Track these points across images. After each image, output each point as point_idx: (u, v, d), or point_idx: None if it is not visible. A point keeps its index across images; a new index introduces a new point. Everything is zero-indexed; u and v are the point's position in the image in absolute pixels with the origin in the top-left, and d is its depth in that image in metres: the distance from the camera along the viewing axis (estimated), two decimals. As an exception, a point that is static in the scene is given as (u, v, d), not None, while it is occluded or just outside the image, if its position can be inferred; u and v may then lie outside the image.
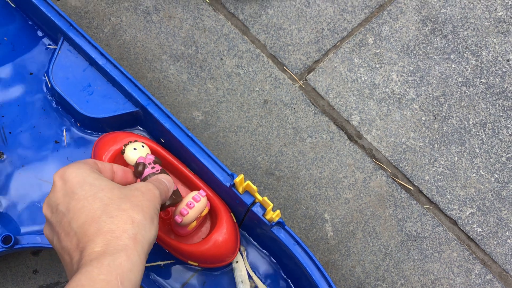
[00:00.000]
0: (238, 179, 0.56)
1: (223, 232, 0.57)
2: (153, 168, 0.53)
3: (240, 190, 0.57)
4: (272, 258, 0.62)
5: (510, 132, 0.71)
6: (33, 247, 0.56)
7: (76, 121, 0.63)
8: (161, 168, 0.54)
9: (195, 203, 0.55)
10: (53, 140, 0.63)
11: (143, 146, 0.56)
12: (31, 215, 0.59)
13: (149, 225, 0.41)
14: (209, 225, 0.61)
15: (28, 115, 0.63)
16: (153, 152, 0.59)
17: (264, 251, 0.62)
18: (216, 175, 0.58)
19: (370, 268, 0.65)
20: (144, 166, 0.53)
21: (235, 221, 0.61)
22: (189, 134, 0.59)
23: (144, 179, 0.52)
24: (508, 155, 0.70)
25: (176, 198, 0.53)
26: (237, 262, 0.60)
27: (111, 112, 0.61)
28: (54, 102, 0.64)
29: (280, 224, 0.57)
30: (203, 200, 0.56)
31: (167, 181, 0.50)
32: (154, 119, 0.60)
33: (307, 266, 0.56)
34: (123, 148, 0.56)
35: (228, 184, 0.57)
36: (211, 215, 0.61)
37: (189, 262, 0.58)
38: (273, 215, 0.56)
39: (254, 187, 0.56)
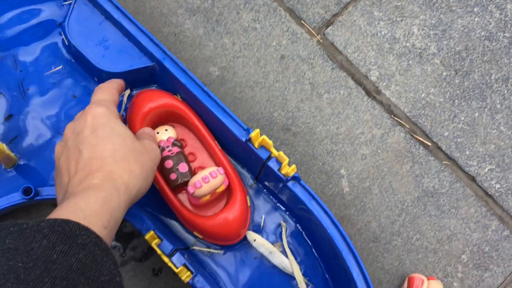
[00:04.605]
0: (254, 133, 0.56)
1: (234, 211, 0.57)
2: (169, 151, 0.58)
3: (256, 144, 0.57)
4: (287, 215, 0.62)
5: (533, 88, 0.69)
6: (53, 198, 0.57)
7: (93, 75, 0.64)
8: (178, 150, 0.58)
9: (210, 179, 0.55)
10: (71, 94, 0.64)
11: (166, 130, 0.60)
12: (51, 167, 0.60)
13: (142, 180, 0.46)
14: (225, 202, 0.61)
15: (46, 70, 0.64)
16: (185, 120, 0.61)
17: (280, 206, 0.63)
18: (232, 130, 0.57)
19: (386, 223, 0.65)
20: (162, 149, 0.58)
21: (249, 204, 0.60)
22: (205, 89, 0.58)
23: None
24: (530, 111, 0.69)
25: (184, 177, 0.57)
26: (255, 240, 0.60)
27: (127, 67, 0.60)
28: (71, 56, 0.64)
29: (295, 179, 0.57)
30: (220, 178, 0.56)
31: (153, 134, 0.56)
32: (170, 74, 0.60)
33: (322, 220, 0.56)
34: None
35: (244, 139, 0.57)
36: (228, 194, 0.60)
37: (194, 232, 0.59)
38: (288, 170, 0.56)
39: (270, 142, 0.56)
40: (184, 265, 0.53)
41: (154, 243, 0.53)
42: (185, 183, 0.58)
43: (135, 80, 0.63)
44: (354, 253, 0.55)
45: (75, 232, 0.36)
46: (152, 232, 0.53)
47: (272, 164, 0.57)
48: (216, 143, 0.61)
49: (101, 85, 0.54)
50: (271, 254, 0.60)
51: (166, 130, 0.60)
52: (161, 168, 0.58)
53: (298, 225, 0.62)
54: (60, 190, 0.45)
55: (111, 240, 0.41)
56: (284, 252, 0.61)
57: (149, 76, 0.63)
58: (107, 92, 0.52)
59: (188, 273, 0.53)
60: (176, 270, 0.52)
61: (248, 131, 0.57)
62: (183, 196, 0.60)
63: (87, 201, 0.39)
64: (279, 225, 0.62)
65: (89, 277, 0.35)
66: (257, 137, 0.56)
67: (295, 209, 0.60)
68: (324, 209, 0.56)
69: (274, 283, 0.60)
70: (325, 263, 0.61)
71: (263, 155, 0.57)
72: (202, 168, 0.61)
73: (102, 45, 0.61)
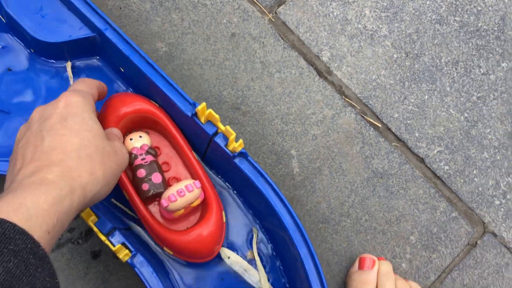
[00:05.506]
0: (200, 107, 0.53)
1: (209, 226, 0.53)
2: (143, 159, 0.55)
3: (202, 120, 0.55)
4: (232, 191, 0.60)
5: (482, 72, 0.70)
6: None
7: (30, 47, 0.60)
8: (152, 159, 0.55)
9: (186, 192, 0.52)
10: (5, 68, 0.60)
11: (140, 137, 0.56)
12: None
13: (103, 184, 0.42)
14: (198, 216, 0.57)
15: (-22, 40, 0.60)
16: (161, 127, 0.58)
17: (228, 185, 0.61)
18: (178, 104, 0.55)
19: (335, 204, 0.64)
20: (135, 156, 0.55)
21: (224, 221, 0.57)
22: (150, 62, 0.56)
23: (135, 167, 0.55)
24: (479, 94, 0.69)
25: (157, 188, 0.54)
26: (229, 257, 0.57)
27: (66, 37, 0.57)
28: (6, 26, 0.60)
29: (242, 154, 0.55)
30: (196, 192, 0.52)
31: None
32: (112, 46, 0.57)
33: (270, 198, 0.54)
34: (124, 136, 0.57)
35: (189, 114, 0.55)
36: (203, 208, 0.57)
37: (164, 248, 0.55)
38: (235, 145, 0.54)
39: (217, 116, 0.54)
40: (123, 243, 0.50)
41: (90, 220, 0.50)
42: (158, 195, 0.55)
43: (76, 51, 0.59)
44: (302, 231, 0.53)
45: (9, 235, 0.31)
46: (88, 209, 0.50)
47: (219, 140, 0.55)
48: (193, 153, 0.57)
49: (83, 78, 0.50)
50: (246, 272, 0.57)
51: (140, 136, 0.56)
52: (133, 177, 0.55)
53: (246, 206, 0.60)
54: (9, 177, 0.40)
55: (51, 247, 0.36)
56: (253, 261, 0.58)
57: (90, 47, 0.60)
58: (87, 85, 0.49)
59: (127, 251, 0.50)
60: (113, 249, 0.49)
61: (194, 105, 0.55)
62: (154, 208, 0.57)
63: (36, 199, 0.35)
64: (250, 230, 0.59)
65: None
66: (204, 111, 0.54)
67: (241, 187, 0.58)
68: (271, 185, 0.55)
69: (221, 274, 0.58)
70: (273, 242, 0.59)
71: (210, 130, 0.55)
72: (176, 179, 0.58)
73: (39, 14, 0.58)
